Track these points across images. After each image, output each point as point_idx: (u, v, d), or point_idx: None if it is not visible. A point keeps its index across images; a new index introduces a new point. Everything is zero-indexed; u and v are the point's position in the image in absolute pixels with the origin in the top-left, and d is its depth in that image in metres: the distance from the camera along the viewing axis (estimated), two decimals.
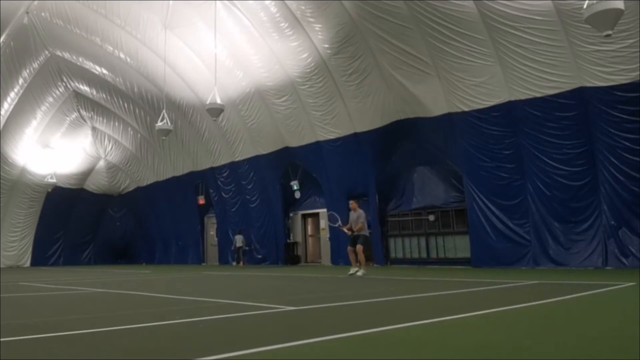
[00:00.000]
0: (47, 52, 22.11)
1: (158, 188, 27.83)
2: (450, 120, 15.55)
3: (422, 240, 17.59)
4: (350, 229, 11.69)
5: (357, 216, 11.68)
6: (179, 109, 22.95)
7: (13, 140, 24.56)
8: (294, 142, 20.43)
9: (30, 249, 27.10)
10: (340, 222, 12.19)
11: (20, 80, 22.68)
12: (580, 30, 12.09)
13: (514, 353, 3.18)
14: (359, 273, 11.26)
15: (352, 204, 12.16)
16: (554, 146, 13.68)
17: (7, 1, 18.59)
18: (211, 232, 26.52)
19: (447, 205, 17.09)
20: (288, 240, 22.23)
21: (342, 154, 18.90)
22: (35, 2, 19.57)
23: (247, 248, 22.38)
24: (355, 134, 18.35)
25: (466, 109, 15.05)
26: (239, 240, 22.14)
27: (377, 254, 18.36)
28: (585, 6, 8.69)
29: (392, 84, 16.69)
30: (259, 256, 22.61)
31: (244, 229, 22.85)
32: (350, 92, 17.64)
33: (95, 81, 23.59)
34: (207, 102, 15.58)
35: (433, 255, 17.28)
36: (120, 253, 30.86)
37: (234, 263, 22.80)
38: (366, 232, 11.85)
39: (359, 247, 11.35)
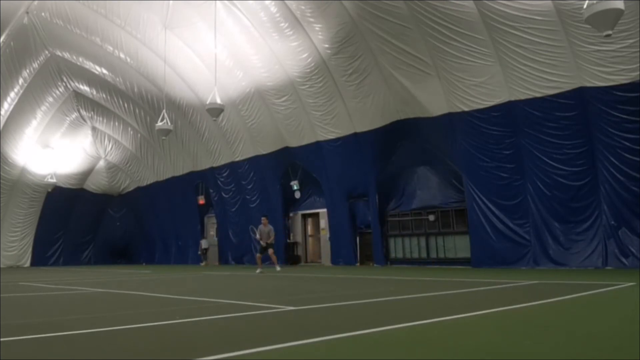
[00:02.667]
0: (47, 52, 22.11)
1: (158, 188, 27.83)
2: (450, 120, 15.54)
3: (422, 240, 17.59)
4: (264, 240, 14.70)
5: (269, 231, 14.80)
6: (179, 109, 22.95)
7: (13, 140, 24.56)
8: (294, 142, 20.43)
9: (30, 249, 27.09)
10: (258, 236, 14.81)
11: (20, 80, 22.67)
12: (580, 30, 12.09)
13: (513, 353, 3.18)
14: (278, 268, 14.70)
15: (264, 220, 15.11)
16: (554, 146, 13.68)
17: (7, 1, 18.59)
18: (211, 232, 26.54)
19: (447, 205, 17.08)
20: (288, 240, 22.24)
21: (342, 154, 18.90)
22: (35, 2, 19.57)
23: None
24: (355, 134, 18.35)
25: (466, 109, 15.05)
26: (204, 243, 25.68)
27: (377, 254, 18.37)
28: (585, 6, 8.68)
29: (392, 84, 16.68)
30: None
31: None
32: (350, 92, 17.63)
33: (95, 81, 23.59)
34: (207, 102, 15.57)
35: (433, 255, 17.27)
36: (120, 253, 30.85)
37: (202, 264, 24.96)
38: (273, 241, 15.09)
39: (271, 251, 14.76)
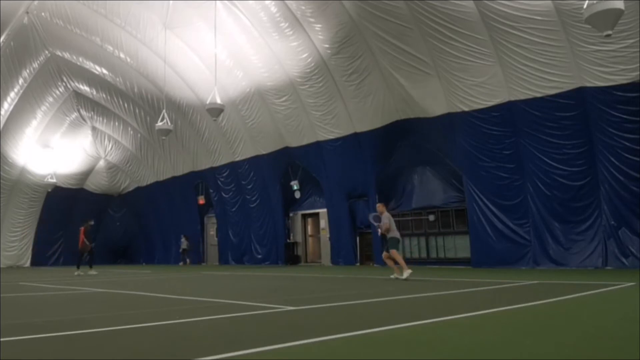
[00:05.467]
0: (47, 52, 22.10)
1: (158, 188, 27.82)
2: (450, 120, 15.54)
3: (422, 240, 17.58)
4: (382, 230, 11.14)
5: (388, 219, 11.11)
6: (179, 109, 22.95)
7: (13, 140, 24.54)
8: (294, 142, 20.43)
9: (30, 249, 27.07)
10: (380, 223, 11.32)
11: (20, 80, 22.66)
12: (580, 30, 12.08)
13: (514, 353, 3.18)
14: (405, 275, 10.30)
15: (380, 207, 11.50)
16: (554, 146, 13.68)
17: (7, 1, 18.58)
18: (211, 232, 26.53)
19: (447, 205, 17.08)
20: (288, 240, 22.24)
21: (342, 154, 18.90)
22: (35, 2, 19.57)
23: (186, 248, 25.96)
24: (356, 134, 18.35)
25: (466, 109, 15.05)
26: (184, 243, 25.69)
27: (377, 254, 18.35)
28: (585, 6, 8.68)
29: (392, 84, 16.68)
30: (259, 256, 22.63)
31: (190, 235, 26.26)
32: (350, 92, 17.63)
33: (95, 81, 23.58)
34: (207, 102, 15.58)
35: (433, 255, 17.27)
36: (120, 253, 30.84)
37: (181, 263, 25.64)
38: (396, 235, 11.16)
39: (393, 252, 10.82)
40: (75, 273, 15.51)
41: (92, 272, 16.03)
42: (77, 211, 28.78)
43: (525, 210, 14.37)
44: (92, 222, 17.33)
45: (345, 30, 16.38)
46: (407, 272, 10.29)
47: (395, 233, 11.02)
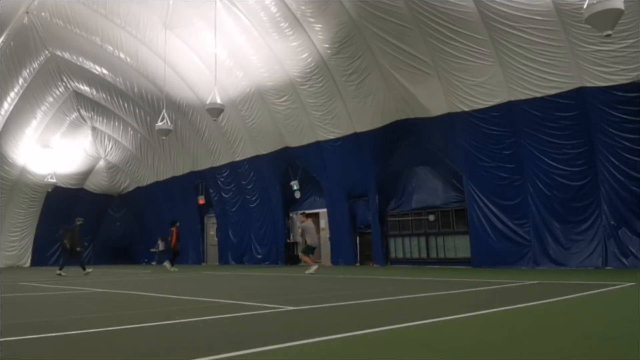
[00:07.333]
0: (47, 52, 22.10)
1: (158, 188, 27.82)
2: (450, 120, 15.54)
3: (422, 240, 17.59)
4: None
5: (302, 229, 14.33)
6: (179, 109, 22.94)
7: (13, 140, 24.55)
8: (294, 142, 20.43)
9: (31, 249, 27.07)
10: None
11: (20, 80, 22.67)
12: (580, 30, 12.09)
13: (514, 353, 3.18)
14: (311, 270, 13.48)
15: (301, 217, 14.58)
16: (554, 146, 13.68)
17: (7, 1, 18.58)
18: (211, 232, 26.53)
19: (447, 205, 17.08)
20: (288, 240, 22.23)
21: (342, 154, 18.90)
22: (35, 2, 19.57)
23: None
24: (356, 134, 18.35)
25: (466, 109, 15.05)
26: (161, 245, 26.35)
27: (377, 254, 18.37)
28: (585, 6, 8.69)
29: (392, 84, 16.68)
30: (259, 256, 22.63)
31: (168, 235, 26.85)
32: (350, 92, 17.63)
33: (95, 81, 23.59)
34: (207, 102, 15.58)
35: (433, 255, 17.27)
36: (120, 253, 30.82)
37: (165, 264, 25.98)
38: (314, 243, 14.36)
39: (302, 255, 14.18)
40: (171, 270, 17.17)
41: (174, 269, 17.33)
42: (77, 211, 28.63)
43: (525, 210, 14.37)
44: (178, 223, 18.54)
45: (345, 30, 16.38)
46: (313, 268, 13.53)
47: (313, 241, 14.17)
